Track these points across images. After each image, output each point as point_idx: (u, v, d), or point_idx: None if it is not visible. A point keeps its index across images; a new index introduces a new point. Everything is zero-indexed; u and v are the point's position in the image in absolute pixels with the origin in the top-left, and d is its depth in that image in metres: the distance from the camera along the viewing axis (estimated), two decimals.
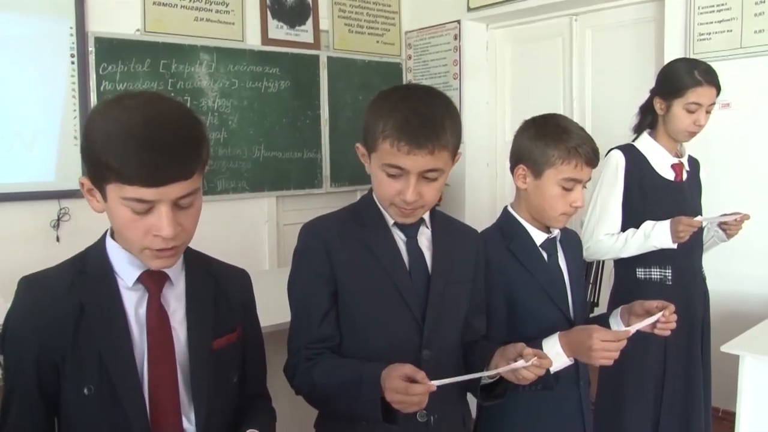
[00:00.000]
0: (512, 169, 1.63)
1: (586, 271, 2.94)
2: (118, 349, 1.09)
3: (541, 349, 1.44)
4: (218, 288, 1.24)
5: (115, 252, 1.13)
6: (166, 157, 1.01)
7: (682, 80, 2.18)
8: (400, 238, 1.39)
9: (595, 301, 2.94)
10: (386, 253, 1.36)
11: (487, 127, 4.75)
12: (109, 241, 1.14)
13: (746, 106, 3.42)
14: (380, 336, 1.35)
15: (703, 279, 2.36)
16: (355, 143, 1.39)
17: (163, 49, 3.98)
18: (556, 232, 1.65)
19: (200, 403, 1.14)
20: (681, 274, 2.25)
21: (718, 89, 2.20)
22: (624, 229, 2.25)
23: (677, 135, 2.24)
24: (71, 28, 3.65)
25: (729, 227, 2.22)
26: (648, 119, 2.32)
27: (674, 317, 1.48)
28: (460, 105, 4.76)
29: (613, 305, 2.29)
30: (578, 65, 4.35)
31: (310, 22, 4.63)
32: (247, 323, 1.30)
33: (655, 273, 2.24)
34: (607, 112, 4.17)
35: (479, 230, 1.69)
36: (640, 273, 2.27)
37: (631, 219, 2.24)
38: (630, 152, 2.28)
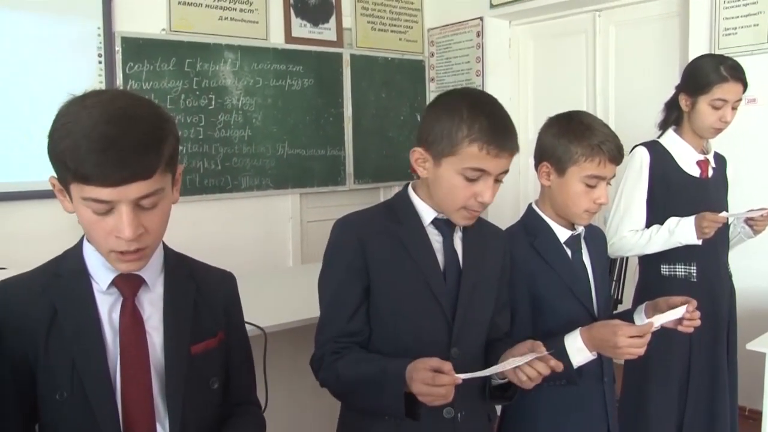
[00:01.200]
0: (536, 166, 1.64)
1: (609, 267, 2.93)
2: (90, 354, 1.07)
3: (563, 344, 1.46)
4: (199, 292, 1.21)
5: (90, 254, 1.11)
6: (122, 156, 0.97)
7: (707, 76, 2.17)
8: (435, 237, 1.40)
9: (619, 298, 2.92)
10: (421, 251, 1.38)
11: None
12: (85, 244, 1.12)
13: None
14: (410, 333, 1.36)
15: (729, 276, 2.34)
16: (412, 148, 1.38)
17: (188, 48, 4.03)
18: (580, 229, 1.65)
19: (175, 410, 1.11)
20: (706, 270, 2.23)
21: (745, 85, 2.19)
22: (649, 225, 2.24)
23: (703, 131, 2.22)
24: (99, 28, 3.72)
25: (755, 223, 2.20)
26: (673, 115, 2.30)
27: (698, 314, 1.48)
28: None
29: (637, 302, 2.28)
30: (601, 61, 4.33)
31: (333, 20, 4.66)
32: (230, 328, 1.26)
33: (680, 270, 2.23)
34: (630, 108, 4.14)
35: (503, 228, 1.70)
36: (665, 270, 2.26)
37: (656, 215, 2.23)
38: (655, 149, 2.27)
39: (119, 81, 3.78)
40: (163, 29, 3.97)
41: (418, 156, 1.36)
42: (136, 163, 0.99)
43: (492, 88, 4.74)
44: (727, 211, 2.27)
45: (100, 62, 3.74)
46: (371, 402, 1.28)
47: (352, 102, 4.72)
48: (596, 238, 1.74)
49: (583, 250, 1.66)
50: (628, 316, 1.62)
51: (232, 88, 4.19)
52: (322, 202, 4.71)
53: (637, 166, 2.26)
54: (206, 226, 4.05)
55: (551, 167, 1.59)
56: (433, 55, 5.13)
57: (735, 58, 3.39)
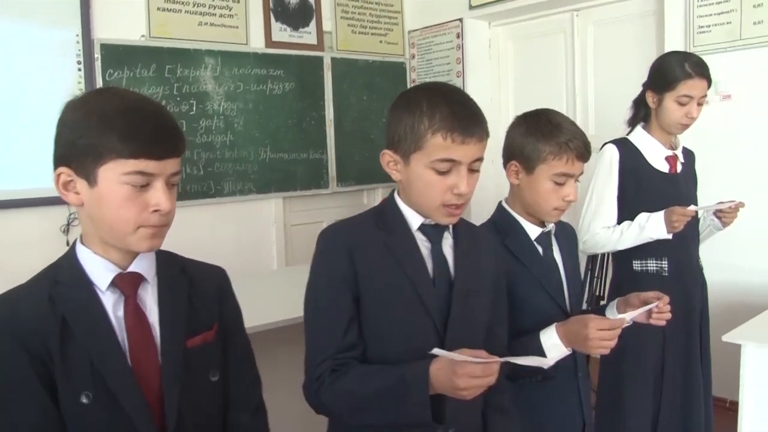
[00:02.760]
0: (505, 165, 1.65)
1: (591, 264, 2.96)
2: (108, 354, 1.09)
3: (539, 340, 1.47)
4: (192, 286, 1.23)
5: (86, 258, 1.13)
6: (167, 130, 1.09)
7: (673, 73, 2.20)
8: (423, 244, 1.35)
9: (601, 294, 2.95)
10: (410, 259, 1.33)
11: (491, 125, 4.49)
12: (79, 248, 1.15)
13: (746, 98, 3.43)
14: (400, 345, 1.30)
15: (701, 269, 2.38)
16: (381, 150, 1.35)
17: (168, 54, 4.03)
18: (550, 226, 1.67)
19: (171, 404, 1.12)
20: (677, 265, 2.27)
21: (710, 81, 2.22)
22: (620, 221, 2.27)
23: (670, 128, 2.26)
24: (77, 35, 3.71)
25: (724, 215, 2.24)
26: (641, 113, 2.34)
27: (669, 307, 1.51)
28: None
29: (611, 298, 2.31)
30: (580, 61, 4.37)
31: (313, 23, 4.67)
32: (225, 319, 1.27)
33: (652, 265, 2.26)
34: (609, 106, 4.18)
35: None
36: (637, 265, 2.29)
37: (627, 212, 2.26)
38: (624, 146, 2.31)
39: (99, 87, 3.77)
40: (143, 35, 3.97)
41: (388, 159, 1.34)
42: (177, 139, 1.10)
43: (473, 89, 4.78)
44: (696, 205, 2.31)
45: (79, 69, 3.73)
46: (392, 414, 1.21)
47: (333, 105, 4.73)
48: (567, 234, 1.76)
49: (554, 247, 1.68)
50: (599, 312, 1.64)
51: (213, 93, 4.20)
52: (306, 205, 4.72)
53: (607, 163, 2.29)
54: (190, 232, 4.03)
55: (520, 166, 1.60)
56: (413, 57, 5.15)
57: (709, 56, 3.50)
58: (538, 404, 1.59)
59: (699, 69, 2.19)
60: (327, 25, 4.76)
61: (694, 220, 2.30)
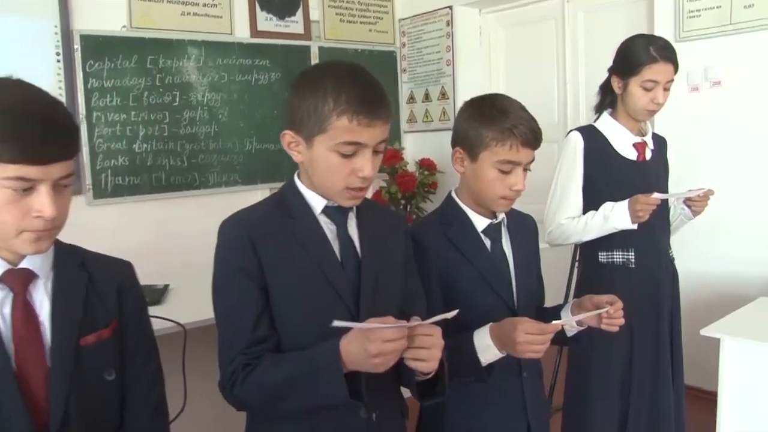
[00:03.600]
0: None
1: (573, 257, 2.88)
2: None
3: (472, 340, 1.40)
4: (91, 281, 1.19)
5: None
6: (55, 132, 1.02)
7: (637, 57, 2.11)
8: (328, 227, 1.32)
9: (567, 289, 2.88)
10: (316, 244, 1.29)
11: None
12: None
13: (737, 85, 3.33)
14: (314, 332, 1.22)
15: (671, 260, 2.29)
16: (282, 132, 1.30)
17: (151, 44, 3.97)
18: (500, 217, 1.59)
19: (57, 404, 1.09)
20: (645, 256, 2.18)
21: (676, 66, 2.12)
22: (587, 211, 2.18)
23: (636, 114, 2.17)
24: (56, 26, 3.66)
25: (694, 204, 2.15)
26: (608, 99, 2.25)
27: (621, 313, 1.43)
28: (454, 91, 4.72)
29: (578, 291, 2.25)
30: (571, 47, 4.28)
31: (300, 12, 4.59)
32: (126, 316, 1.24)
33: (618, 256, 2.18)
34: None
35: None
36: (603, 257, 2.21)
37: (595, 201, 2.17)
38: (589, 133, 2.22)
39: (80, 80, 3.73)
40: (124, 26, 3.91)
41: (289, 139, 1.28)
42: (65, 142, 1.04)
43: (463, 78, 4.71)
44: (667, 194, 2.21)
45: (58, 61, 3.69)
46: (307, 398, 1.19)
47: None
48: (524, 226, 1.68)
49: (504, 240, 1.60)
50: (555, 313, 1.57)
51: (196, 84, 4.14)
52: None
53: (571, 151, 2.20)
54: (174, 224, 4.01)
55: (464, 153, 1.53)
56: (404, 45, 5.07)
57: (699, 41, 3.42)
58: (477, 405, 1.52)
59: (664, 53, 2.09)
60: (314, 14, 4.68)
61: (664, 209, 2.21)
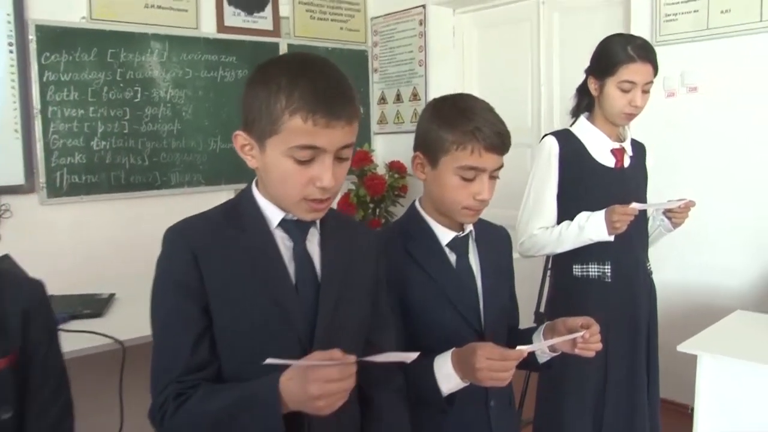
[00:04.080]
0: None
1: (544, 268, 2.77)
2: None
3: (432, 367, 1.26)
4: None
5: None
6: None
7: (614, 56, 2.00)
8: (284, 243, 1.16)
9: (538, 306, 2.76)
10: (267, 262, 1.13)
11: None
12: None
13: (713, 90, 3.27)
14: (259, 361, 1.01)
15: (648, 274, 2.16)
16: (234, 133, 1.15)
17: (111, 37, 3.81)
18: (468, 229, 1.44)
19: None
20: (622, 269, 2.05)
21: (655, 67, 2.01)
22: (562, 221, 2.06)
23: (613, 117, 2.04)
24: (8, 15, 3.48)
25: (674, 215, 2.02)
26: (585, 102, 2.13)
27: (598, 337, 1.30)
28: (426, 93, 4.61)
29: (550, 306, 2.14)
30: (546, 49, 4.19)
31: (269, 8, 4.45)
32: (31, 343, 1.10)
33: (593, 269, 2.05)
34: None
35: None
36: (577, 270, 2.07)
37: (570, 210, 2.04)
38: (565, 138, 2.08)
39: (34, 73, 3.55)
40: (83, 17, 3.74)
41: (242, 141, 1.14)
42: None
43: (436, 78, 4.61)
44: (645, 203, 2.09)
45: (11, 51, 3.50)
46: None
47: None
48: (495, 239, 1.53)
49: (471, 254, 1.45)
50: (529, 336, 1.44)
51: (159, 79, 3.98)
52: None
53: (545, 157, 2.07)
54: (133, 226, 3.85)
55: (424, 158, 1.38)
56: (376, 44, 4.96)
57: (676, 46, 3.35)
58: None
59: (642, 52, 1.98)
60: (284, 10, 4.54)
61: (643, 219, 2.09)
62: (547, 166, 2.06)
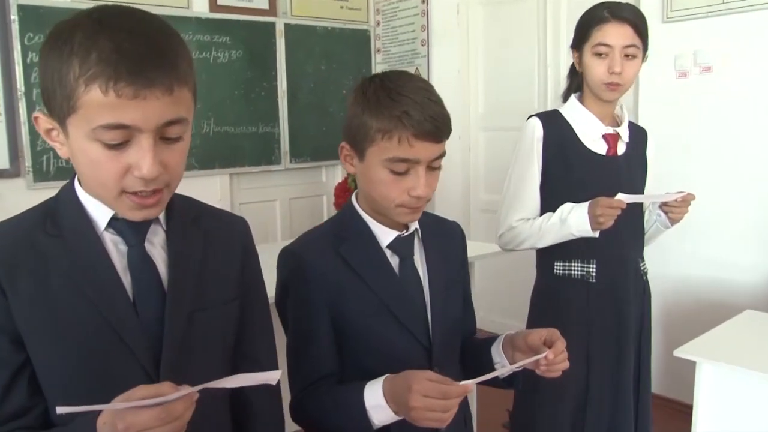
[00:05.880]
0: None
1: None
2: None
3: (362, 397, 1.07)
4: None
5: None
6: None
7: (587, 21, 1.79)
8: (117, 248, 0.94)
9: None
10: (94, 273, 0.92)
11: (459, 97, 4.39)
12: None
13: (729, 70, 3.04)
14: (91, 399, 0.79)
15: (642, 275, 1.92)
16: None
17: None
18: (412, 227, 1.25)
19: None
20: (608, 269, 1.83)
21: (636, 27, 1.76)
22: (545, 213, 1.85)
23: (597, 91, 1.81)
24: None
25: (671, 209, 1.79)
26: (575, 81, 1.92)
27: (564, 355, 1.12)
28: (429, 73, 4.42)
29: (533, 307, 1.95)
30: (553, 28, 3.98)
31: None
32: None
33: (576, 268, 1.84)
34: None
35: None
36: (559, 268, 1.86)
37: (554, 201, 1.83)
38: (551, 119, 1.86)
39: (18, 53, 3.44)
40: None
41: (45, 125, 0.90)
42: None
43: (439, 59, 4.43)
44: (642, 194, 1.88)
45: None
46: None
47: (287, 75, 4.37)
48: (445, 237, 1.34)
49: (417, 257, 1.26)
50: (484, 348, 1.26)
51: None
52: (256, 182, 4.41)
53: (528, 141, 1.85)
54: None
55: (350, 149, 1.19)
56: (378, 24, 4.77)
57: (688, 22, 3.13)
58: None
59: (616, 11, 1.75)
60: None
61: (636, 213, 1.86)
62: (530, 150, 1.84)
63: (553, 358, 1.10)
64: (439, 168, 1.18)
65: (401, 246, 1.23)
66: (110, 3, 0.90)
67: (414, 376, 1.01)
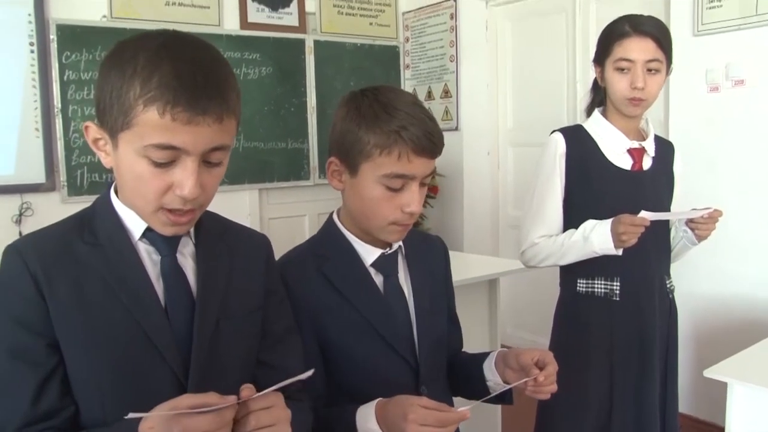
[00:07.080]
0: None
1: None
2: None
3: (354, 422, 1.07)
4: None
5: None
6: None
7: (609, 35, 1.78)
8: (151, 258, 0.99)
9: None
10: (129, 282, 0.95)
11: (488, 113, 4.40)
12: None
13: (762, 83, 2.99)
14: (124, 401, 0.89)
15: (668, 293, 1.88)
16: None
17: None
18: (396, 245, 1.24)
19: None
20: (633, 287, 1.80)
21: (658, 42, 1.73)
22: (569, 230, 1.82)
23: (619, 106, 1.79)
24: (29, 15, 3.46)
25: (697, 226, 1.75)
26: (599, 95, 1.89)
27: (553, 379, 1.12)
28: (458, 89, 4.42)
29: (556, 325, 1.92)
30: (582, 42, 3.95)
31: (294, 4, 4.35)
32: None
33: (600, 286, 1.80)
34: None
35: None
36: (582, 286, 1.83)
37: (577, 218, 1.80)
38: (574, 134, 1.84)
39: (55, 71, 3.54)
40: (104, 16, 3.71)
41: (93, 134, 0.95)
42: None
43: (467, 74, 4.43)
44: (669, 211, 1.84)
45: (32, 51, 3.49)
46: None
47: (316, 91, 4.41)
48: (429, 253, 1.33)
49: (402, 274, 1.25)
50: (476, 364, 1.25)
51: None
52: (285, 198, 4.44)
53: (551, 156, 1.82)
54: None
55: (341, 164, 1.18)
56: (407, 40, 4.79)
57: (720, 35, 3.08)
58: None
59: (638, 25, 1.73)
60: (310, 5, 4.44)
61: (662, 230, 1.82)
62: (552, 166, 1.82)
63: (542, 380, 1.10)
64: (427, 185, 1.18)
65: (385, 264, 1.23)
66: (171, 30, 0.95)
67: (409, 404, 1.01)
